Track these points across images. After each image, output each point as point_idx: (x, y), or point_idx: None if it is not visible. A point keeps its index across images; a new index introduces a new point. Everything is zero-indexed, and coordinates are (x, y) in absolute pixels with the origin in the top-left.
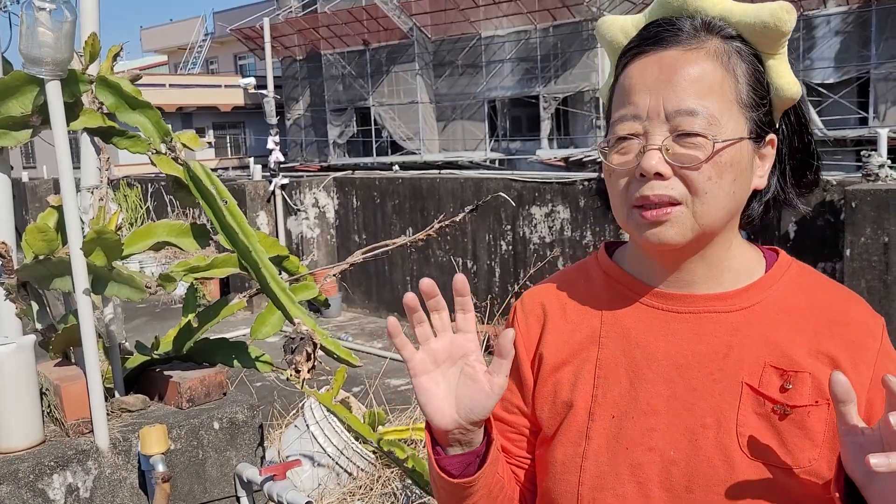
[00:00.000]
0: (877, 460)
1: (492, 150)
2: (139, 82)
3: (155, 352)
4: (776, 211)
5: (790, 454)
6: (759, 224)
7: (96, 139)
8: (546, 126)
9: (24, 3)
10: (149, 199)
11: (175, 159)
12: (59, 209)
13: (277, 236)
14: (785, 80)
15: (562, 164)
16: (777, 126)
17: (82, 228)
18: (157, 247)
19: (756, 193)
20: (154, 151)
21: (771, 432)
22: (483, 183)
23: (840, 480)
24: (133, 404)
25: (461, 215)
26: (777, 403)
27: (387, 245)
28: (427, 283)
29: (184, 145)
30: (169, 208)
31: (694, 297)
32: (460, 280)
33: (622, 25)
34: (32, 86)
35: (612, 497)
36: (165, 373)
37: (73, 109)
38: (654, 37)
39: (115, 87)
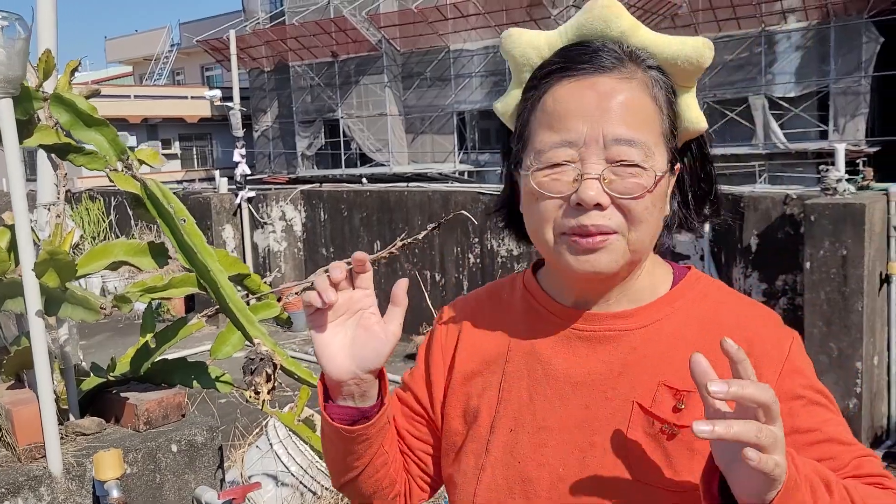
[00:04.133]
0: (701, 427)
1: (461, 162)
2: (103, 93)
3: (111, 373)
4: (671, 235)
5: (678, 475)
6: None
7: (52, 155)
8: None
9: None
10: (111, 212)
11: (133, 177)
12: (12, 228)
13: (244, 250)
14: (695, 113)
15: None
16: (680, 155)
17: (37, 247)
18: (114, 266)
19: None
20: (112, 168)
21: (660, 453)
22: (451, 196)
23: (714, 475)
24: (88, 427)
25: (423, 233)
26: (665, 423)
27: (347, 261)
28: (360, 256)
29: (142, 162)
30: (132, 222)
31: (597, 315)
32: (360, 255)
33: (533, 42)
34: None
35: None
36: (122, 395)
37: (27, 127)
38: (585, 61)
39: (70, 104)
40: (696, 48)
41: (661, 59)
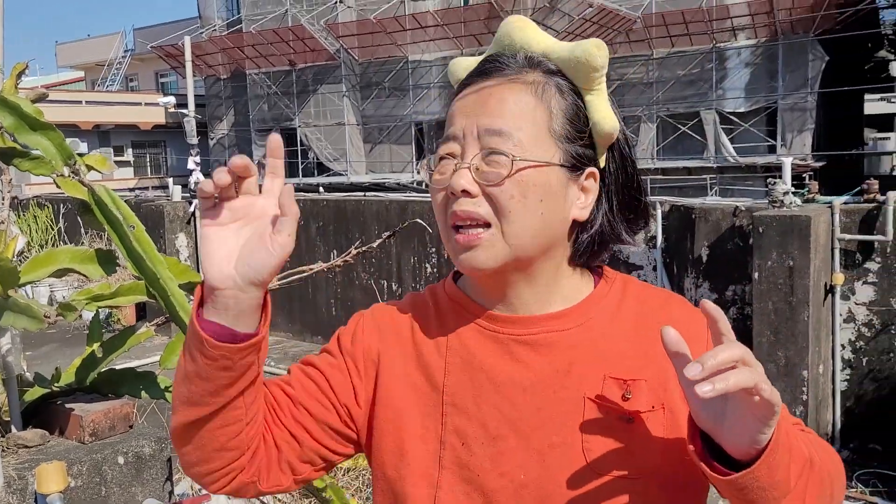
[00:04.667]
0: (704, 388)
1: (419, 172)
2: (52, 98)
3: (56, 384)
4: (607, 246)
5: (638, 462)
6: (593, 259)
7: None
8: None
9: None
10: (60, 219)
11: (80, 182)
12: None
13: (197, 259)
14: (601, 115)
15: None
16: (603, 162)
17: None
18: (59, 273)
19: (583, 227)
20: (59, 174)
21: (617, 443)
22: (408, 205)
23: (696, 437)
24: (30, 440)
25: (378, 241)
26: (621, 413)
27: (303, 271)
28: (239, 160)
29: (89, 167)
30: (82, 230)
31: (531, 318)
32: (275, 140)
33: (467, 66)
34: None
35: None
36: (67, 405)
37: None
38: (480, 71)
39: (15, 106)
40: (585, 49)
41: (559, 63)
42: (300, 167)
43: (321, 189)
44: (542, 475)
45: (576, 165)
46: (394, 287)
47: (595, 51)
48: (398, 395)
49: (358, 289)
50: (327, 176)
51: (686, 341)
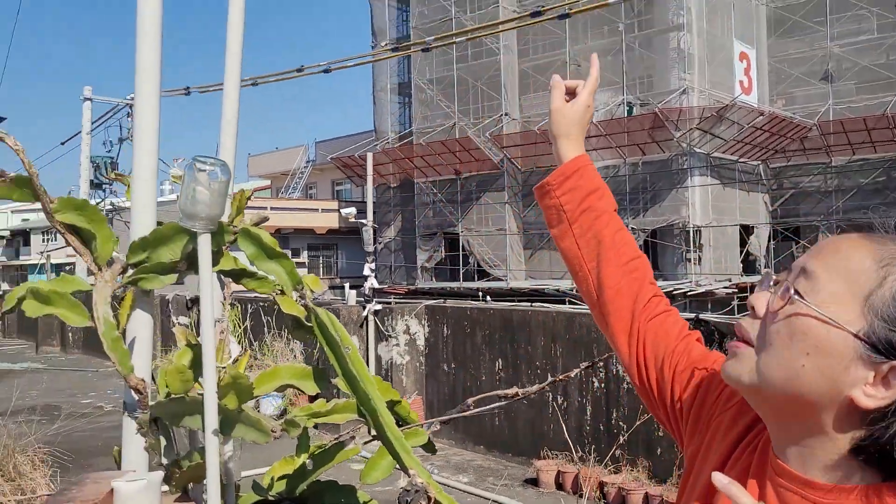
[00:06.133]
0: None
1: None
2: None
3: (269, 493)
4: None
5: None
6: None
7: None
8: None
9: (187, 165)
10: (247, 318)
11: (304, 306)
12: (194, 347)
13: (368, 361)
14: None
15: None
16: None
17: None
18: (281, 388)
19: (872, 421)
20: (278, 292)
21: None
22: (575, 317)
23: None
24: None
25: (575, 371)
26: None
27: (499, 395)
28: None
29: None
30: (266, 329)
31: (786, 471)
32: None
33: None
34: (182, 235)
35: None
36: None
37: (215, 257)
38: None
39: (256, 238)
40: None
41: None
42: (461, 272)
43: (488, 298)
44: None
45: (878, 349)
46: (559, 400)
47: None
48: (709, 468)
49: (521, 401)
50: (487, 281)
51: None
